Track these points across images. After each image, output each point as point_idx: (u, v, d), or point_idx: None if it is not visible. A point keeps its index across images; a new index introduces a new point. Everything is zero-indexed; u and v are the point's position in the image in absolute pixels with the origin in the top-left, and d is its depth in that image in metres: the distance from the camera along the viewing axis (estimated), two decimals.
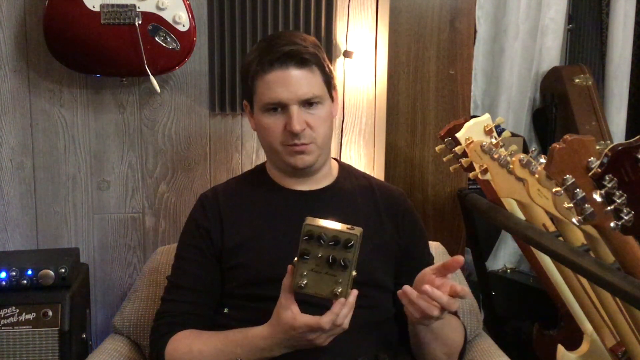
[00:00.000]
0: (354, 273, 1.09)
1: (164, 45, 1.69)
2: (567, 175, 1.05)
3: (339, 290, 1.09)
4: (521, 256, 2.44)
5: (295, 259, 1.10)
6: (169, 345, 1.29)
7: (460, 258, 1.15)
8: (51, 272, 1.59)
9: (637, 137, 0.98)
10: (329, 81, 1.36)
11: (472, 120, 1.61)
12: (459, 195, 1.96)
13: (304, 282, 1.09)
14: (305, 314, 1.11)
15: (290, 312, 1.12)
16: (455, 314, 1.42)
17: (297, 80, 1.29)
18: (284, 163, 1.34)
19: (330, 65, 1.38)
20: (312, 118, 1.31)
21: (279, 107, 1.30)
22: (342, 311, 1.11)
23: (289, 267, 1.12)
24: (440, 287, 1.14)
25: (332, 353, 1.24)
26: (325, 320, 1.10)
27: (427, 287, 1.12)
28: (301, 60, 1.29)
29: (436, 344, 1.28)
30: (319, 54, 1.33)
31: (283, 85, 1.28)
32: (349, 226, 1.09)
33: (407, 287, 1.15)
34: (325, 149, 1.37)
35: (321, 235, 1.07)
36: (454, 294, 1.14)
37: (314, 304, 1.13)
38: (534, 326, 1.91)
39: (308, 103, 1.31)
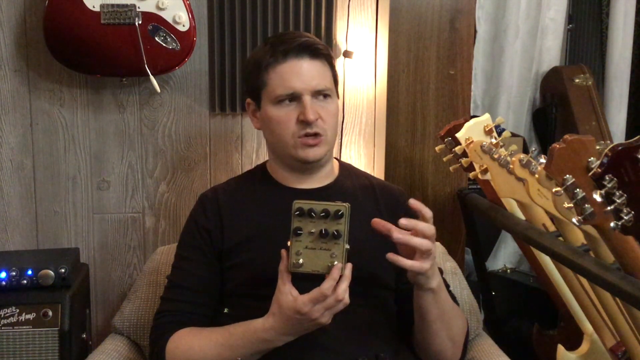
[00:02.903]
0: (347, 246, 1.11)
1: (164, 45, 1.69)
2: (567, 175, 1.05)
3: (335, 263, 1.11)
4: (521, 256, 2.44)
5: (289, 241, 1.12)
6: (170, 344, 1.29)
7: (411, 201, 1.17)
8: (51, 272, 1.59)
9: (637, 137, 0.98)
10: (335, 78, 1.39)
11: (472, 120, 1.61)
12: (459, 195, 1.97)
13: (300, 260, 1.12)
14: (306, 294, 1.12)
15: (290, 296, 1.13)
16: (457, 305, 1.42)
17: (310, 71, 1.31)
18: (292, 157, 1.34)
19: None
20: (323, 110, 1.32)
21: (292, 99, 1.31)
22: (342, 285, 1.11)
23: (283, 251, 1.14)
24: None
25: (332, 353, 1.24)
26: (325, 286, 1.10)
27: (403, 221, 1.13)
28: (315, 51, 1.32)
29: (441, 324, 1.27)
30: (329, 49, 1.38)
31: (297, 75, 1.30)
32: (335, 202, 1.12)
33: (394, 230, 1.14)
34: (332, 146, 1.39)
35: (312, 209, 1.11)
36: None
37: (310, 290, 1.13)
38: (534, 326, 1.92)
39: (320, 94, 1.32)
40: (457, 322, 1.33)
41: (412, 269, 1.15)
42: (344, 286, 1.11)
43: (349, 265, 1.13)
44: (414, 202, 1.17)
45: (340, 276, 1.12)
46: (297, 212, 1.11)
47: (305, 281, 1.13)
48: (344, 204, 1.11)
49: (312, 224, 1.11)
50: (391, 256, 1.14)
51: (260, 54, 1.34)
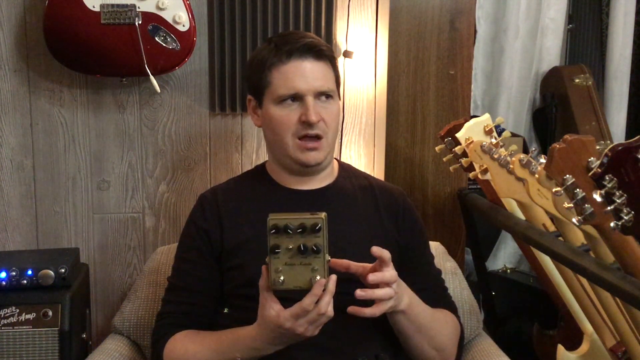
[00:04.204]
0: (328, 258, 1.09)
1: (164, 45, 1.69)
2: (567, 175, 1.05)
3: (317, 277, 1.09)
4: (521, 256, 2.44)
5: (267, 258, 1.09)
6: (167, 347, 1.30)
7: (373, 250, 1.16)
8: (51, 272, 1.59)
9: (637, 137, 0.98)
10: (338, 80, 1.39)
11: (472, 120, 1.61)
12: (459, 195, 1.97)
13: (281, 278, 1.08)
14: (288, 309, 1.11)
15: (272, 311, 1.11)
16: (454, 311, 1.42)
17: (314, 72, 1.31)
18: (292, 159, 1.34)
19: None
20: (325, 112, 1.32)
21: (294, 99, 1.31)
22: (324, 299, 1.09)
23: (263, 267, 1.11)
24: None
25: (332, 353, 1.24)
26: (306, 302, 1.08)
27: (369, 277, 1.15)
28: (319, 52, 1.32)
29: (420, 337, 1.28)
30: (332, 51, 1.38)
31: (301, 76, 1.30)
32: (311, 212, 1.09)
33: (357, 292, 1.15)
34: (333, 148, 1.39)
35: (287, 226, 1.07)
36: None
37: (295, 300, 1.12)
38: (534, 326, 1.92)
39: (323, 95, 1.33)
40: (441, 331, 1.32)
41: (374, 315, 1.16)
42: (327, 300, 1.09)
43: (333, 278, 1.10)
44: (375, 250, 1.16)
45: (324, 290, 1.09)
46: (273, 231, 1.07)
47: (289, 292, 1.12)
48: (321, 214, 1.08)
49: (289, 240, 1.07)
50: (351, 310, 1.15)
51: (264, 53, 1.34)
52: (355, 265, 1.17)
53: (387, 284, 1.16)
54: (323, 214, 1.09)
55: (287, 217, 1.08)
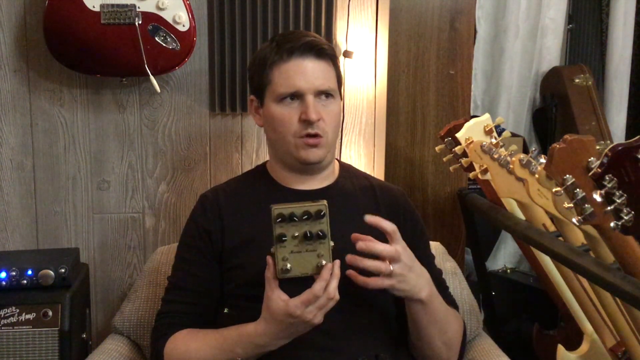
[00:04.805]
0: (332, 243, 1.11)
1: (164, 45, 1.69)
2: (567, 175, 1.05)
3: (323, 262, 1.11)
4: (521, 256, 2.44)
5: (272, 248, 1.11)
6: (168, 345, 1.30)
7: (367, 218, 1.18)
8: (51, 272, 1.59)
9: (637, 137, 0.98)
10: (339, 79, 1.39)
11: (472, 120, 1.61)
12: (459, 195, 1.97)
13: (288, 265, 1.10)
14: (297, 296, 1.12)
15: (280, 301, 1.12)
16: (455, 307, 1.42)
17: (315, 71, 1.32)
18: (293, 157, 1.34)
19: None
20: (325, 111, 1.32)
21: (295, 97, 1.32)
22: (332, 283, 1.11)
23: (268, 258, 1.13)
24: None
25: (332, 353, 1.24)
26: (317, 287, 1.10)
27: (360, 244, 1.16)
28: (320, 51, 1.33)
29: (434, 329, 1.28)
30: (334, 50, 1.38)
31: (301, 74, 1.31)
32: (312, 201, 1.12)
33: (348, 257, 1.16)
34: (333, 147, 1.39)
35: (293, 214, 1.09)
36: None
37: (295, 292, 1.13)
38: (534, 326, 1.92)
39: (323, 95, 1.33)
40: (452, 327, 1.33)
41: (366, 286, 1.16)
42: (334, 284, 1.11)
43: (337, 263, 1.12)
44: (369, 219, 1.17)
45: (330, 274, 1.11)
46: (279, 219, 1.09)
47: (290, 283, 1.13)
48: (322, 202, 1.11)
49: (294, 227, 1.10)
50: (349, 273, 1.16)
51: (266, 52, 1.35)
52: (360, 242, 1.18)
53: (379, 258, 1.16)
54: (324, 201, 1.11)
55: (291, 206, 1.10)
